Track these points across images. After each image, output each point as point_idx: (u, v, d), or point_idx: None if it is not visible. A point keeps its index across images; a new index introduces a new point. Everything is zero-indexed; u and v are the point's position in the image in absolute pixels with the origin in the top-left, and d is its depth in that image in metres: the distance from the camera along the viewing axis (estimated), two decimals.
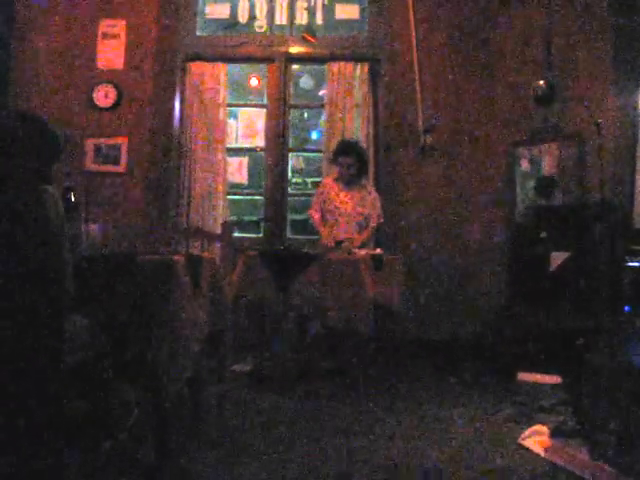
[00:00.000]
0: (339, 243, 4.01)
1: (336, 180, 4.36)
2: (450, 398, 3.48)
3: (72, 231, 2.30)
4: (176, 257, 2.39)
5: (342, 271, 3.56)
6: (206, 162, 5.05)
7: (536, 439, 2.66)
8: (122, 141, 4.95)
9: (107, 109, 4.96)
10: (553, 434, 2.67)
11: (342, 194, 4.29)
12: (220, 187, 5.07)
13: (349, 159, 4.25)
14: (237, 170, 5.42)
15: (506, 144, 4.77)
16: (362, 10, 5.22)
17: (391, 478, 2.35)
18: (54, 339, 1.91)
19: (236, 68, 5.53)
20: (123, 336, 2.28)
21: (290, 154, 5.34)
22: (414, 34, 4.87)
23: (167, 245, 4.61)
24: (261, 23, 5.27)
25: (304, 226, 5.09)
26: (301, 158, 6.12)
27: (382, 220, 4.37)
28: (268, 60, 5.20)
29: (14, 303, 1.84)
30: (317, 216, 4.31)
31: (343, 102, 5.01)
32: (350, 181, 4.30)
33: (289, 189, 5.35)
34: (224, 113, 5.15)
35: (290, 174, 5.44)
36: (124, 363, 2.30)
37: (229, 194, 5.20)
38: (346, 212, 4.25)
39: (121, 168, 4.94)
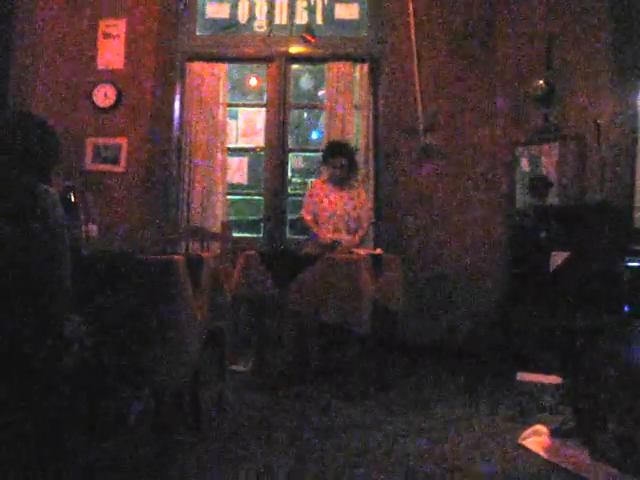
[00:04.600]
0: (336, 242, 4.00)
1: (325, 182, 4.37)
2: (449, 398, 3.48)
3: (72, 231, 2.30)
4: (176, 257, 2.39)
5: (342, 271, 3.56)
6: (206, 162, 5.05)
7: (536, 439, 2.66)
8: (122, 141, 4.95)
9: (107, 109, 4.96)
10: (553, 434, 2.67)
11: (332, 195, 4.30)
12: (220, 187, 5.07)
13: (340, 160, 4.26)
14: (237, 170, 5.42)
15: (506, 144, 4.77)
16: (362, 10, 5.22)
17: (390, 478, 2.35)
18: (53, 339, 1.91)
19: (236, 68, 5.53)
20: (123, 336, 2.28)
21: (290, 154, 5.34)
22: (414, 34, 4.87)
23: (167, 245, 4.61)
24: (261, 23, 5.26)
25: (304, 226, 5.09)
26: (301, 158, 6.12)
27: (373, 220, 4.39)
28: (268, 60, 5.19)
29: (14, 303, 1.84)
30: (309, 218, 4.32)
31: (343, 102, 5.01)
32: (340, 181, 4.30)
33: (289, 189, 5.35)
34: (224, 113, 5.15)
35: (290, 174, 5.44)
36: (124, 363, 2.30)
37: (229, 194, 5.20)
38: (336, 214, 4.25)
39: (121, 168, 4.94)
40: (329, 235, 4.15)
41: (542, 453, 2.54)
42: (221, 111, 5.12)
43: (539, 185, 4.44)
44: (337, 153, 4.29)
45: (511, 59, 4.78)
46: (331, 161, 4.27)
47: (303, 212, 4.37)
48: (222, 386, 3.19)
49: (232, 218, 5.30)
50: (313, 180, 4.70)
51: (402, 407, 3.30)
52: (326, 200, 4.29)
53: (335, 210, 4.26)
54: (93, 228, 2.63)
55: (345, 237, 4.17)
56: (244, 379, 3.80)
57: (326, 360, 3.98)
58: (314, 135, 6.37)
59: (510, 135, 4.76)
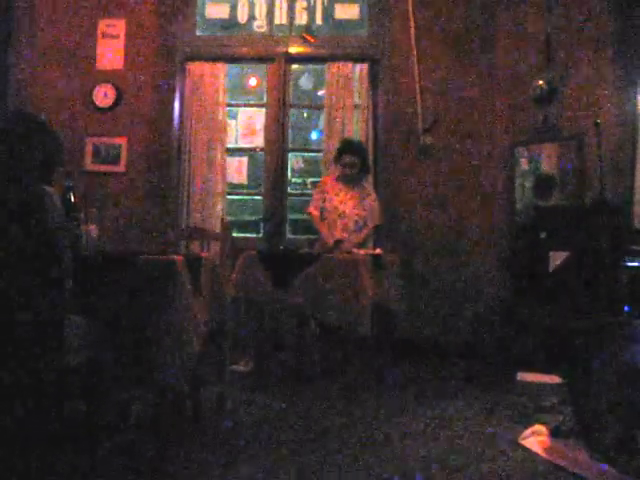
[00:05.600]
0: (339, 242, 4.01)
1: (336, 179, 4.36)
2: (449, 398, 3.47)
3: (72, 231, 2.30)
4: (176, 257, 2.39)
5: (342, 271, 3.56)
6: (206, 162, 5.05)
7: (536, 439, 2.66)
8: (122, 141, 4.95)
9: (107, 109, 4.96)
10: (553, 434, 2.67)
11: (342, 194, 4.29)
12: (220, 187, 5.07)
13: (353, 158, 4.24)
14: (237, 170, 5.42)
15: (506, 144, 4.77)
16: (362, 10, 5.22)
17: (390, 478, 2.34)
18: (54, 339, 1.92)
19: (236, 68, 5.53)
20: (123, 336, 2.28)
21: (290, 154, 5.34)
22: (414, 34, 4.87)
23: (167, 245, 4.61)
24: (261, 23, 5.27)
25: (304, 226, 5.09)
26: (301, 158, 6.11)
27: (379, 223, 4.35)
28: (268, 60, 5.19)
29: (14, 304, 1.84)
30: (316, 213, 4.30)
31: (343, 102, 5.01)
32: (351, 181, 4.30)
33: (289, 189, 5.35)
34: (224, 113, 5.15)
35: (290, 174, 5.44)
36: (124, 363, 2.30)
37: (229, 194, 5.20)
38: (344, 212, 4.24)
39: (121, 168, 4.95)
40: (336, 234, 4.14)
41: (542, 453, 2.54)
42: (221, 111, 5.12)
43: (543, 184, 4.44)
44: (349, 151, 4.28)
45: (511, 59, 4.78)
46: (344, 159, 4.26)
47: (310, 207, 4.36)
48: (222, 386, 3.18)
49: (232, 218, 5.30)
50: (325, 177, 4.68)
51: (402, 407, 3.30)
52: (335, 198, 4.28)
53: (343, 209, 4.25)
54: (93, 228, 2.63)
55: (351, 237, 4.16)
56: (244, 379, 3.80)
57: (326, 360, 3.98)
58: (314, 135, 6.36)
59: (510, 135, 4.76)
